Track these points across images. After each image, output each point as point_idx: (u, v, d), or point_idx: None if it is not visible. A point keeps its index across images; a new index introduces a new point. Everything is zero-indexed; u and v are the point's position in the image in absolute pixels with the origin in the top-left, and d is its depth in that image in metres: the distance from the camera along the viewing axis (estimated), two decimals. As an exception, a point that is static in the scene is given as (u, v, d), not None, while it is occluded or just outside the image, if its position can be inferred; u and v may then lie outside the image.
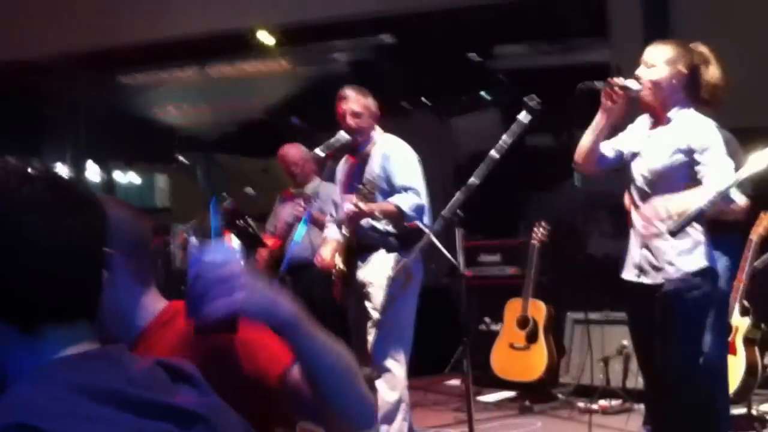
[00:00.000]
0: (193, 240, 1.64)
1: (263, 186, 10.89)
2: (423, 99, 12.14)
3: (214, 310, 1.52)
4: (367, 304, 5.22)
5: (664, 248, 3.83)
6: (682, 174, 3.87)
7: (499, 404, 6.45)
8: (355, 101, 5.42)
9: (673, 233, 3.47)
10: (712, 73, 3.94)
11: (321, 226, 6.14)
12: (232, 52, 11.68)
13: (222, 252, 1.61)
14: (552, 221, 6.76)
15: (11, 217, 1.16)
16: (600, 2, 10.98)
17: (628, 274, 3.99)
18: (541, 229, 6.51)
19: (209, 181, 12.28)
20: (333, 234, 5.60)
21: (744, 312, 5.61)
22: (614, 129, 4.82)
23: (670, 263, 3.82)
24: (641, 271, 3.92)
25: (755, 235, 5.44)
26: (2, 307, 1.17)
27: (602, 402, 6.27)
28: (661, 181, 3.89)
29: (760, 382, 5.73)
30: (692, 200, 3.56)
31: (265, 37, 11.74)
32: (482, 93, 10.94)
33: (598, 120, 3.92)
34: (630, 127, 4.19)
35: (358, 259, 5.06)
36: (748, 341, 5.63)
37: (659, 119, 4.00)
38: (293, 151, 6.97)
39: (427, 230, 4.91)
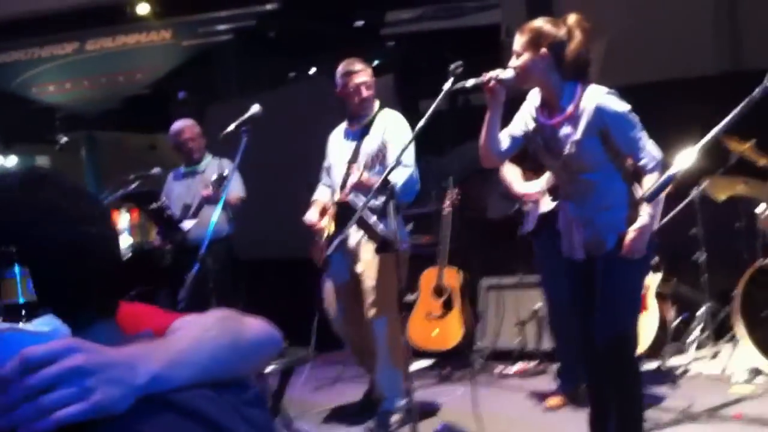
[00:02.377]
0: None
1: (152, 162, 10.61)
2: (312, 67, 12.05)
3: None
4: (359, 267, 5.30)
5: (606, 221, 3.87)
6: (598, 145, 3.91)
7: (418, 374, 6.46)
8: (366, 73, 5.45)
9: (649, 199, 3.52)
10: (573, 45, 3.94)
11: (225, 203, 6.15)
12: (112, 25, 11.26)
13: (45, 334, 1.18)
14: (455, 186, 6.78)
15: (78, 228, 1.32)
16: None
17: (574, 252, 4.02)
18: (453, 196, 6.49)
19: (93, 160, 11.88)
20: (322, 196, 5.61)
21: (654, 268, 5.78)
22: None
23: (615, 238, 3.87)
24: (586, 248, 3.96)
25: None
26: (61, 306, 1.26)
27: (519, 364, 6.37)
28: (581, 161, 3.91)
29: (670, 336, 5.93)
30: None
31: (145, 9, 11.38)
32: (374, 59, 10.91)
33: (488, 116, 3.94)
34: (522, 107, 4.18)
35: (348, 225, 5.06)
36: (660, 296, 5.81)
37: (551, 105, 4.00)
38: (191, 128, 6.70)
39: (359, 205, 4.86)
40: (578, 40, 3.81)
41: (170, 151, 7.00)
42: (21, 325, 1.18)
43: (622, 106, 3.78)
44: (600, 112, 3.75)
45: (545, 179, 5.05)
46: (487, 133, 3.93)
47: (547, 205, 5.04)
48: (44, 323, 1.20)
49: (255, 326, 1.50)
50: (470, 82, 3.85)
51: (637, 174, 3.84)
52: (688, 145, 4.67)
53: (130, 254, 8.97)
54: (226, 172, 5.58)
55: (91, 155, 12.03)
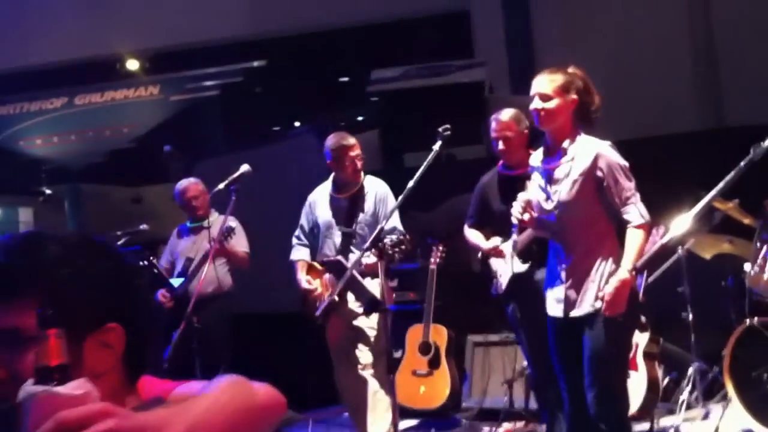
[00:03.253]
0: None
1: (136, 215, 10.59)
2: (297, 122, 12.13)
3: None
4: (357, 323, 5.34)
5: (591, 278, 3.88)
6: (593, 197, 3.94)
7: (405, 435, 6.40)
8: (358, 146, 5.65)
9: (640, 270, 3.57)
10: (594, 97, 4.04)
11: (232, 256, 6.24)
12: (101, 80, 11.35)
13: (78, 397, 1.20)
14: (441, 242, 6.79)
15: (133, 282, 1.53)
16: (466, 25, 11.30)
17: (554, 310, 4.02)
18: (438, 252, 6.52)
19: (78, 212, 11.85)
20: (303, 256, 5.70)
21: (642, 328, 5.78)
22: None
23: (596, 296, 3.88)
24: (567, 305, 3.96)
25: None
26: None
27: (506, 425, 6.32)
28: (575, 209, 3.95)
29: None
30: (630, 250, 3.76)
31: (134, 65, 11.47)
32: (359, 116, 11.01)
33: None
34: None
35: (338, 286, 5.11)
36: (648, 356, 5.80)
37: (554, 150, 4.05)
38: (194, 186, 6.79)
39: (348, 265, 4.89)
40: (594, 91, 3.94)
41: (156, 203, 7.02)
42: (55, 388, 1.19)
43: (620, 159, 3.87)
44: (599, 160, 3.84)
45: (512, 241, 5.10)
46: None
47: (517, 266, 5.06)
48: (77, 386, 1.22)
49: (263, 392, 1.53)
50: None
51: (622, 230, 3.89)
52: (673, 200, 4.76)
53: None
54: (227, 231, 5.63)
55: (75, 207, 11.98)
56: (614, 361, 3.90)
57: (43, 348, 1.21)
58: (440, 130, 4.49)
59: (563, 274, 3.94)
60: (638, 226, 3.82)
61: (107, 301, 1.46)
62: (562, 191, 3.89)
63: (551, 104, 3.90)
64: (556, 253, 3.98)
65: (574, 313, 3.89)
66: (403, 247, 4.86)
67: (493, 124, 5.13)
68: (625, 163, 3.89)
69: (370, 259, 5.03)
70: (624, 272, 3.75)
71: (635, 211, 3.81)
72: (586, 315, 3.85)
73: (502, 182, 5.11)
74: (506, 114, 5.11)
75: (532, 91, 3.95)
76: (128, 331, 1.45)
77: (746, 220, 5.42)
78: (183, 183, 6.66)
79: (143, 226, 6.49)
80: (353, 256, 5.27)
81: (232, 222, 6.00)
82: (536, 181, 4.03)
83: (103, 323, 1.43)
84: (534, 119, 4.01)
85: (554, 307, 4.00)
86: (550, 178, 3.95)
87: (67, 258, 1.42)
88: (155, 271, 6.17)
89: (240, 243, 6.38)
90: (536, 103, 3.91)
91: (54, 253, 1.42)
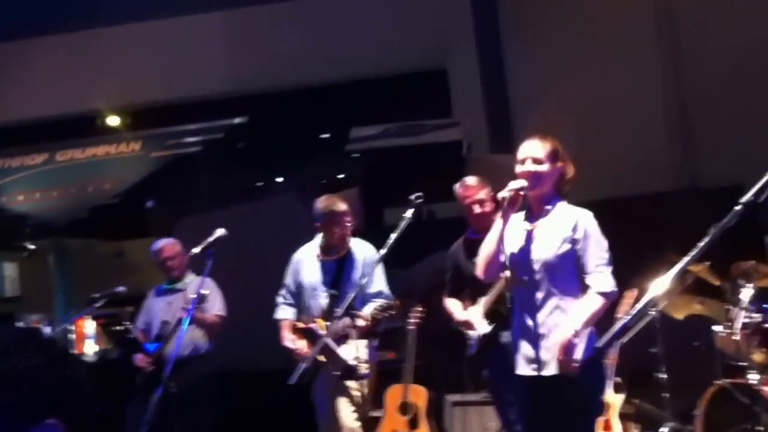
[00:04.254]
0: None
1: (118, 270, 10.61)
2: (278, 179, 12.24)
3: None
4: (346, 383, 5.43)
5: (559, 338, 3.96)
6: (570, 261, 4.04)
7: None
8: (350, 212, 5.73)
9: (604, 348, 3.67)
10: (571, 168, 4.17)
11: (200, 323, 6.20)
12: (82, 136, 11.44)
13: None
14: (420, 301, 6.87)
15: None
16: (444, 83, 11.50)
17: (525, 369, 4.09)
18: (416, 313, 6.60)
19: (61, 267, 11.89)
20: (288, 316, 5.75)
21: (617, 388, 5.89)
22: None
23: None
24: (538, 364, 4.04)
25: (621, 313, 5.70)
26: None
27: (488, 485, 6.36)
28: (552, 270, 4.04)
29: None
30: (584, 313, 3.86)
31: (115, 121, 11.58)
32: (339, 173, 11.13)
33: (501, 227, 4.05)
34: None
35: (313, 353, 5.17)
36: (623, 417, 5.88)
37: (537, 212, 4.16)
38: (171, 246, 6.76)
39: (321, 334, 4.97)
40: (570, 163, 4.05)
41: (138, 258, 7.07)
42: None
43: (596, 225, 3.98)
44: (579, 225, 3.95)
45: (482, 304, 5.20)
46: (497, 243, 4.04)
47: (484, 328, 5.17)
48: None
49: None
50: (502, 195, 3.98)
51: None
52: (645, 259, 4.89)
53: (96, 360, 8.92)
54: (199, 296, 5.67)
55: (59, 262, 12.01)
56: (583, 422, 3.96)
57: None
58: (412, 198, 4.60)
59: (533, 333, 3.99)
60: (600, 293, 3.90)
61: (43, 396, 1.52)
62: (542, 251, 3.98)
63: (543, 168, 4.01)
64: (528, 312, 4.03)
65: (544, 373, 3.95)
66: (392, 312, 4.97)
67: (462, 191, 5.24)
68: (602, 236, 3.99)
69: (359, 322, 5.12)
70: (569, 330, 3.81)
71: (602, 279, 3.89)
72: (554, 376, 3.91)
73: (469, 245, 5.21)
74: (472, 180, 5.26)
75: (524, 155, 4.04)
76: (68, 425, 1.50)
77: (717, 282, 5.57)
78: (159, 243, 6.67)
79: (121, 288, 6.49)
80: (340, 323, 5.33)
81: (205, 289, 5.96)
82: (517, 239, 4.09)
83: (43, 418, 1.52)
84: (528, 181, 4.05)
85: (524, 367, 4.03)
86: (530, 238, 4.04)
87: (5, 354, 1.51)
88: (130, 336, 6.17)
89: (213, 307, 6.35)
90: (528, 166, 4.01)
91: None
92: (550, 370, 3.92)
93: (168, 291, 6.60)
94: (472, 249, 4.95)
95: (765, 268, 5.34)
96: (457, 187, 5.30)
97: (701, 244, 2.74)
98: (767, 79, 9.03)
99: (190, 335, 6.13)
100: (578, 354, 3.84)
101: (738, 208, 2.62)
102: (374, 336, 5.68)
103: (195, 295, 5.71)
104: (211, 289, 6.04)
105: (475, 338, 5.25)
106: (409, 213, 4.70)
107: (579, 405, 3.90)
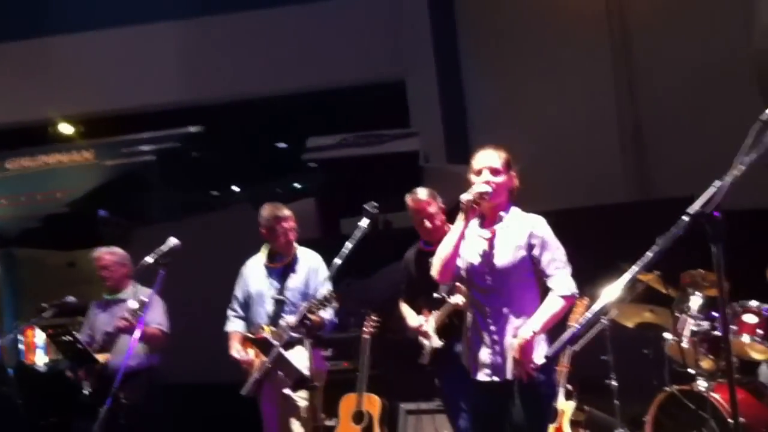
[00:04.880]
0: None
1: (70, 280, 10.47)
2: (234, 188, 12.19)
3: None
4: (289, 392, 5.40)
5: (512, 346, 3.98)
6: (526, 267, 4.07)
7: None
8: (292, 218, 5.74)
9: (550, 358, 3.71)
10: (516, 178, 4.22)
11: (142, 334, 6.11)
12: (33, 144, 11.29)
13: None
14: (374, 311, 6.87)
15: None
16: (402, 94, 11.54)
17: (480, 374, 4.10)
18: (371, 322, 6.60)
19: (11, 277, 11.71)
20: (238, 328, 5.74)
21: (568, 396, 5.93)
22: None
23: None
24: (493, 369, 4.05)
25: (572, 321, 5.74)
26: None
27: (440, 492, 6.36)
28: (509, 276, 4.06)
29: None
30: (544, 314, 3.87)
31: (68, 129, 11.45)
32: (295, 183, 11.12)
33: (461, 229, 4.06)
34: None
35: (265, 363, 5.12)
36: (575, 424, 5.93)
37: (490, 220, 4.19)
38: (107, 256, 6.59)
39: (275, 344, 4.94)
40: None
41: (90, 269, 6.92)
42: None
43: (550, 229, 4.05)
44: (535, 231, 4.00)
45: (434, 318, 5.22)
46: (456, 246, 4.05)
47: (435, 342, 5.19)
48: None
49: None
50: (465, 197, 3.99)
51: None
52: (599, 269, 4.93)
53: (46, 371, 8.79)
54: (137, 306, 5.59)
55: (9, 272, 11.83)
56: (537, 428, 3.99)
57: None
58: (367, 207, 4.60)
59: (489, 339, 4.01)
60: (561, 296, 3.94)
61: None
62: (499, 258, 4.01)
63: (500, 179, 4.06)
64: (483, 318, 4.05)
65: (498, 378, 3.97)
66: (329, 304, 4.96)
67: (413, 204, 5.26)
68: (557, 240, 4.03)
69: (293, 318, 5.11)
70: (528, 331, 3.84)
71: (562, 282, 3.94)
72: (510, 381, 3.93)
73: (420, 256, 5.25)
74: (423, 193, 5.26)
75: (481, 165, 4.07)
76: None
77: (666, 291, 5.63)
78: (97, 251, 6.52)
79: (70, 298, 6.34)
80: (283, 323, 5.33)
81: (146, 297, 5.86)
82: (473, 246, 4.11)
83: None
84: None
85: (479, 372, 4.05)
86: (489, 245, 4.07)
87: None
88: (79, 346, 6.04)
89: (154, 320, 6.14)
90: (486, 176, 4.04)
91: None
92: (506, 374, 3.94)
93: (109, 302, 6.46)
94: (424, 260, 4.94)
95: (713, 277, 5.40)
96: (408, 199, 5.32)
97: (650, 253, 2.77)
98: (717, 94, 9.19)
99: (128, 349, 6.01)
100: (536, 356, 3.87)
101: (685, 218, 2.67)
102: (324, 345, 5.69)
103: (137, 306, 5.65)
104: (152, 302, 5.91)
105: (428, 349, 5.26)
106: (364, 222, 4.69)
107: (533, 410, 3.92)
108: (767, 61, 7.28)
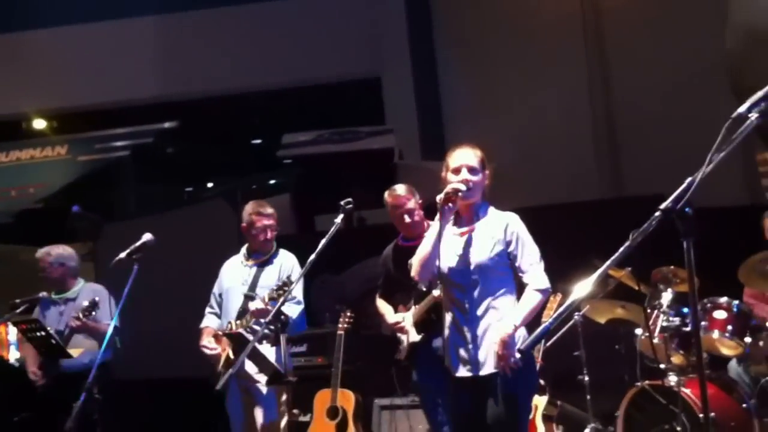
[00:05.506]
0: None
1: (42, 276, 10.37)
2: (208, 184, 12.16)
3: None
4: (258, 387, 5.41)
5: (493, 341, 4.01)
6: (502, 263, 4.10)
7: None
8: (274, 217, 5.72)
9: (524, 352, 3.74)
10: (491, 172, 4.25)
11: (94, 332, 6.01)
12: (6, 139, 11.21)
13: None
14: (348, 307, 6.89)
15: None
16: (378, 92, 11.57)
17: (461, 371, 4.13)
18: (345, 318, 6.62)
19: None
20: (211, 323, 5.70)
21: (541, 390, 5.97)
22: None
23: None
24: (473, 364, 4.08)
25: (545, 317, 5.78)
26: None
27: (414, 488, 6.39)
28: (486, 272, 4.09)
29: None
30: (523, 309, 3.93)
31: (41, 124, 11.38)
32: (271, 179, 11.10)
33: (439, 229, 4.09)
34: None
35: (240, 357, 5.12)
36: (547, 418, 5.98)
37: (468, 218, 4.22)
38: (45, 257, 6.42)
39: (250, 339, 4.94)
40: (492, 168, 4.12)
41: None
42: None
43: (524, 226, 4.08)
44: (509, 228, 4.04)
45: (413, 312, 5.25)
46: (435, 246, 4.07)
47: (413, 336, 5.22)
48: None
49: None
50: (439, 198, 4.01)
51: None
52: (572, 265, 4.97)
53: (18, 367, 8.71)
54: (87, 304, 5.56)
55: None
56: (514, 423, 4.01)
57: None
58: (342, 203, 4.60)
59: (468, 335, 4.04)
60: (538, 290, 3.99)
61: None
62: (476, 255, 4.04)
63: (477, 177, 4.09)
64: (463, 315, 4.08)
65: (480, 373, 4.00)
66: (285, 288, 4.98)
67: (391, 200, 5.26)
68: (530, 236, 4.08)
69: (257, 304, 5.13)
70: (509, 326, 3.89)
71: (538, 277, 4.00)
72: (490, 375, 3.96)
73: (399, 252, 5.26)
74: (401, 188, 5.28)
75: (458, 163, 4.09)
76: None
77: (638, 287, 5.69)
78: (39, 251, 6.43)
79: (43, 294, 6.29)
80: (252, 307, 5.33)
81: (98, 295, 5.79)
82: (451, 244, 4.13)
83: None
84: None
85: (458, 368, 4.08)
86: (467, 242, 4.10)
87: None
88: (52, 342, 5.98)
89: (105, 316, 6.00)
90: (465, 174, 4.06)
91: None
92: (487, 369, 3.97)
93: (56, 302, 6.37)
94: (402, 256, 4.99)
95: (684, 273, 5.47)
96: (386, 195, 5.33)
97: (622, 248, 2.81)
98: (691, 93, 9.29)
99: (88, 345, 5.96)
100: (516, 350, 3.91)
101: (657, 214, 2.70)
102: (298, 342, 5.70)
103: (87, 305, 5.64)
104: (103, 298, 5.85)
105: (406, 344, 5.29)
106: (339, 219, 4.69)
107: (513, 403, 3.95)
108: (738, 59, 7.35)
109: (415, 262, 4.15)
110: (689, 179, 2.70)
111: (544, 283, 4.01)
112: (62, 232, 11.00)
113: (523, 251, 4.04)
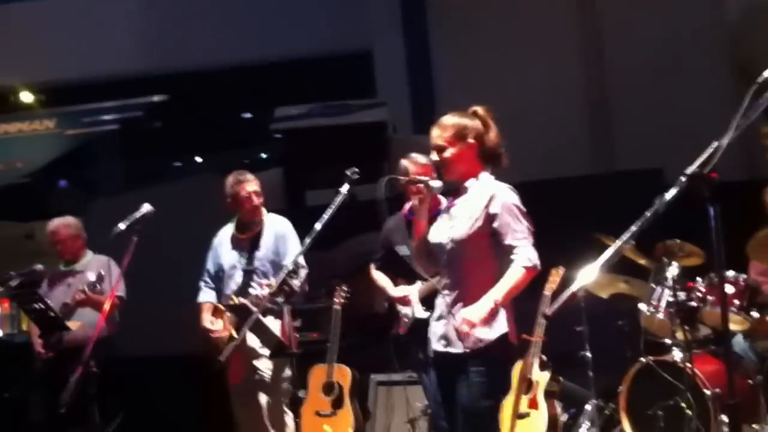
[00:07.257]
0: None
1: (28, 252, 10.26)
2: (197, 158, 12.03)
3: None
4: (257, 363, 5.37)
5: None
6: (484, 237, 3.99)
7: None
8: (255, 182, 5.61)
9: (549, 317, 3.61)
10: (492, 135, 4.09)
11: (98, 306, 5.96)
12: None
13: None
14: (344, 282, 6.80)
15: None
16: (369, 65, 11.46)
17: (435, 344, 4.04)
18: (341, 292, 6.52)
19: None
20: (209, 298, 5.62)
21: (543, 366, 5.90)
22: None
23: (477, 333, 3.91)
24: (446, 340, 3.99)
25: (548, 290, 5.70)
26: None
27: (410, 463, 6.32)
28: (464, 248, 3.98)
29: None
30: (505, 285, 3.82)
31: (29, 97, 11.21)
32: (262, 153, 10.99)
33: (420, 224, 4.01)
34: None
35: (243, 329, 5.03)
36: (549, 395, 5.89)
37: (460, 191, 4.11)
38: (63, 230, 6.44)
39: (254, 310, 4.83)
40: (494, 128, 3.95)
41: (48, 241, 6.76)
42: None
43: (517, 201, 3.87)
44: (494, 200, 3.84)
45: (417, 287, 5.14)
46: (423, 240, 3.99)
47: (419, 312, 5.12)
48: None
49: None
50: (402, 179, 3.90)
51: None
52: (566, 240, 4.88)
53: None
54: (94, 279, 5.47)
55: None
56: (487, 401, 3.90)
57: None
58: (348, 173, 4.44)
59: (446, 310, 3.94)
60: (523, 266, 3.82)
61: None
62: (456, 228, 3.92)
63: (447, 154, 3.92)
64: (445, 288, 3.97)
65: (453, 350, 3.89)
66: (299, 272, 4.88)
67: (413, 168, 5.10)
68: (520, 205, 3.91)
69: (263, 291, 5.02)
70: (489, 301, 3.74)
71: (523, 254, 3.81)
72: (464, 353, 3.85)
73: (410, 225, 5.10)
74: (423, 158, 5.07)
75: (431, 145, 3.98)
76: None
77: (642, 261, 5.61)
78: (53, 224, 6.35)
79: (38, 266, 6.18)
80: (254, 292, 5.22)
81: (105, 267, 5.74)
82: (441, 218, 4.04)
83: None
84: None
85: (435, 343, 3.99)
86: (447, 217, 3.99)
87: None
88: (51, 314, 5.89)
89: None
90: (434, 156, 3.94)
91: None
92: (458, 347, 3.86)
93: (66, 273, 6.32)
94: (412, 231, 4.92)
95: (689, 247, 5.39)
96: (405, 163, 5.18)
97: (643, 217, 2.69)
98: (685, 66, 9.22)
99: (96, 317, 5.86)
100: (492, 330, 3.79)
101: (682, 179, 2.59)
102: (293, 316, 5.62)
103: (94, 279, 5.58)
104: (108, 270, 5.77)
105: (410, 318, 5.19)
106: (344, 188, 4.53)
107: (482, 383, 3.84)
108: (739, 33, 7.28)
109: (416, 262, 4.08)
110: (715, 144, 2.59)
111: (531, 260, 3.81)
112: (48, 208, 10.89)
113: (509, 225, 3.86)
